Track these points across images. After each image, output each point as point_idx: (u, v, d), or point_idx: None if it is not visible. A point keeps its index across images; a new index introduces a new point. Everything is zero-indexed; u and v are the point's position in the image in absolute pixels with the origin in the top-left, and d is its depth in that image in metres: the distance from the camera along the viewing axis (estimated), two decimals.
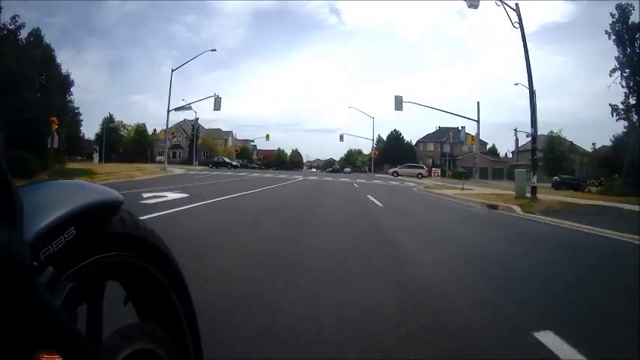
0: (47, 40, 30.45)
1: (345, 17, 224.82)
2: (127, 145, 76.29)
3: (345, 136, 61.35)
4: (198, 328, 1.06)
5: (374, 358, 2.31)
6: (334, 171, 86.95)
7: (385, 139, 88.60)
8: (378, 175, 57.54)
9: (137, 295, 0.93)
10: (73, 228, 0.68)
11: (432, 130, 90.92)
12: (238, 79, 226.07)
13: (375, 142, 64.39)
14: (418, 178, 44.88)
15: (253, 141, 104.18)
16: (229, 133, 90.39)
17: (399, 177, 45.93)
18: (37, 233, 0.60)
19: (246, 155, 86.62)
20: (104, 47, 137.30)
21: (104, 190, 0.82)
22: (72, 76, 33.06)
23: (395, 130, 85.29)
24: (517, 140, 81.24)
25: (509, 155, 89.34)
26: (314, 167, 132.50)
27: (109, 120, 78.57)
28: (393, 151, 79.84)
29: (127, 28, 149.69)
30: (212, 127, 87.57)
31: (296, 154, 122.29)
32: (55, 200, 0.69)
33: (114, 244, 0.80)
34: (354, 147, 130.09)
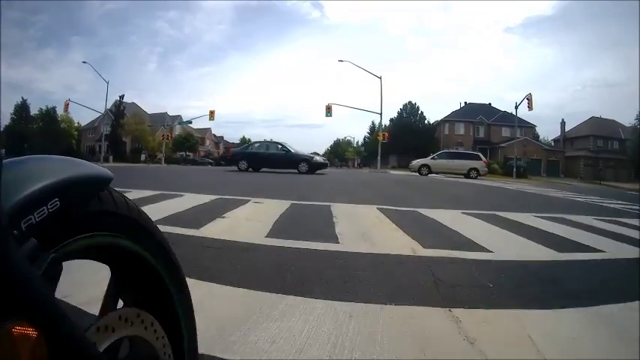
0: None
1: (328, 11, 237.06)
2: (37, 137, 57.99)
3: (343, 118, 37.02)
4: (193, 316, 1.04)
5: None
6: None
7: (394, 118, 60.34)
8: (372, 170, 44.05)
9: (127, 280, 0.91)
10: (57, 199, 0.67)
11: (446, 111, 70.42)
12: (222, 75, 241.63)
13: (380, 123, 45.79)
14: (470, 177, 27.52)
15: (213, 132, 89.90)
16: (176, 118, 66.68)
17: (429, 173, 28.23)
18: (18, 201, 0.60)
19: (189, 146, 58.68)
20: (89, 45, 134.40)
21: (92, 165, 0.82)
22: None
23: (410, 102, 57.58)
24: (563, 125, 69.54)
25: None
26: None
27: (20, 107, 61.77)
28: (405, 134, 60.32)
29: (110, 26, 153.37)
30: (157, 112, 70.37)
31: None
32: (40, 172, 0.69)
33: (102, 223, 0.79)
34: (344, 137, 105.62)
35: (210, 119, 48.42)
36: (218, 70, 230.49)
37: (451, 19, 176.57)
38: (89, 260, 0.82)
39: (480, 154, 30.17)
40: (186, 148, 65.95)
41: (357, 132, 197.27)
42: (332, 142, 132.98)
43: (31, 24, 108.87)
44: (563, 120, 70.89)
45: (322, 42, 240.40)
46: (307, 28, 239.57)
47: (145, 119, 61.94)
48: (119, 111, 63.69)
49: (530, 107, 35.67)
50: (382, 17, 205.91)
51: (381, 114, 41.52)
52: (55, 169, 0.72)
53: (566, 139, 68.60)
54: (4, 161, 0.59)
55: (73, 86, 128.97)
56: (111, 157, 51.64)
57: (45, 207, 0.64)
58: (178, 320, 0.98)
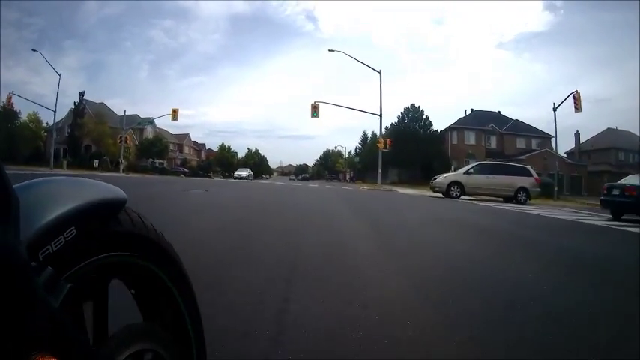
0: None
1: (321, 25, 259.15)
2: None
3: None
4: (202, 329, 1.05)
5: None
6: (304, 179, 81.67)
7: (395, 124, 51.25)
8: (370, 187, 36.69)
9: (141, 295, 0.95)
10: (73, 227, 0.68)
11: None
12: (214, 85, 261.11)
13: (381, 127, 35.99)
14: (518, 201, 19.60)
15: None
16: (147, 120, 53.68)
17: (461, 196, 19.99)
18: (36, 232, 0.61)
19: (156, 152, 49.81)
20: (83, 50, 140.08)
21: (106, 187, 0.83)
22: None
23: (412, 105, 48.49)
24: (578, 136, 62.62)
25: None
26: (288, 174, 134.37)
27: None
28: (408, 143, 49.61)
29: (105, 32, 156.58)
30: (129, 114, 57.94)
31: (253, 155, 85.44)
32: (55, 198, 0.70)
33: (116, 244, 0.81)
34: (335, 147, 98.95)
35: (172, 119, 39.91)
36: (210, 79, 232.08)
37: (443, 33, 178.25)
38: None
39: (529, 167, 21.29)
40: (153, 154, 56.76)
41: (349, 144, 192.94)
42: (321, 154, 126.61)
43: (26, 25, 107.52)
44: (577, 131, 63.06)
45: (315, 55, 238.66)
46: (301, 41, 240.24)
47: (105, 119, 52.49)
48: (78, 110, 54.86)
49: (577, 108, 27.28)
50: (375, 31, 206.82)
51: (380, 115, 32.86)
52: (70, 194, 0.72)
53: (582, 152, 60.80)
54: (17, 185, 0.61)
55: (64, 90, 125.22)
56: (65, 163, 42.84)
57: (62, 236, 0.65)
58: (188, 332, 1.00)
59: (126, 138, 43.89)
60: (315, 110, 31.24)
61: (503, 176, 19.77)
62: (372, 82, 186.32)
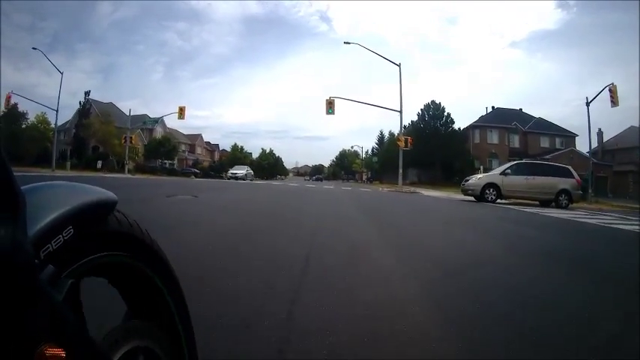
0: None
1: (335, 25, 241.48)
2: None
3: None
4: (191, 327, 1.09)
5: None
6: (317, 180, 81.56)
7: (415, 122, 48.59)
8: (390, 188, 32.01)
9: (130, 294, 0.98)
10: (71, 227, 0.72)
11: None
12: (229, 86, 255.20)
13: (401, 123, 32.89)
14: (561, 205, 17.18)
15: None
16: (154, 119, 51.81)
17: (497, 199, 17.48)
18: (38, 232, 0.65)
19: (164, 153, 47.98)
20: (96, 53, 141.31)
21: (99, 190, 0.87)
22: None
23: (433, 102, 46.15)
24: (601, 135, 57.43)
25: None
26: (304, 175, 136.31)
27: None
28: (428, 142, 46.81)
29: (118, 35, 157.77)
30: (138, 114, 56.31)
31: (267, 155, 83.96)
32: (54, 200, 0.74)
33: (109, 244, 0.85)
34: (351, 146, 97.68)
35: (179, 117, 38.08)
36: (224, 81, 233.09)
37: (456, 33, 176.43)
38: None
39: (570, 167, 18.68)
40: (161, 154, 54.82)
41: (365, 144, 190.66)
42: (337, 154, 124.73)
43: (39, 29, 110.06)
44: (600, 130, 59.21)
45: (329, 55, 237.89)
46: (315, 42, 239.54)
47: (111, 119, 50.19)
48: (84, 110, 53.33)
49: (614, 102, 24.56)
50: (388, 31, 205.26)
51: (400, 111, 30.48)
52: (66, 197, 0.76)
53: (606, 151, 57.27)
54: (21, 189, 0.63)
55: (77, 92, 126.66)
56: (69, 164, 41.23)
57: (61, 235, 0.69)
58: (178, 330, 1.03)
59: (131, 138, 41.97)
60: (330, 106, 28.99)
61: (543, 177, 17.11)
62: (388, 82, 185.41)
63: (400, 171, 29.49)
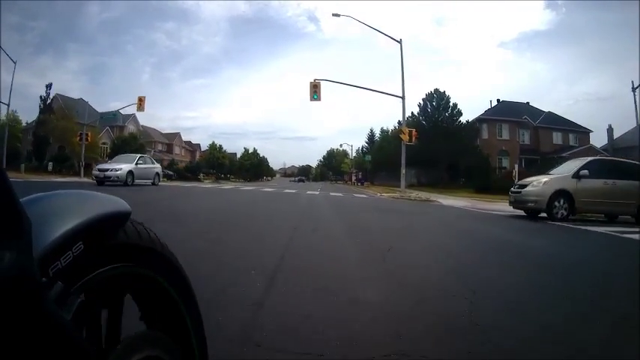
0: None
1: (323, 25, 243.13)
2: None
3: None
4: (204, 337, 1.08)
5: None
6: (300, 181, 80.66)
7: (416, 114, 41.88)
8: (394, 195, 26.23)
9: (145, 304, 0.96)
10: (81, 242, 0.70)
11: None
12: (217, 87, 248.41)
13: (404, 111, 26.52)
14: None
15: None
16: (111, 113, 44.26)
17: (568, 215, 11.11)
18: (45, 249, 0.63)
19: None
20: (85, 53, 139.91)
21: (112, 200, 0.85)
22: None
23: (437, 90, 39.41)
24: (611, 132, 50.26)
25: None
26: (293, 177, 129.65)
27: None
28: (432, 136, 39.05)
29: (107, 35, 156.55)
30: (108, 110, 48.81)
31: (250, 155, 77.97)
32: (63, 213, 0.72)
33: (121, 256, 0.82)
34: (340, 144, 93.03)
35: (138, 109, 31.92)
36: (213, 82, 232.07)
37: (446, 33, 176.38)
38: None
39: None
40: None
41: (354, 143, 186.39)
42: (325, 154, 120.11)
43: (29, 29, 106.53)
44: (610, 126, 53.48)
45: (317, 55, 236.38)
46: (302, 42, 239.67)
47: (72, 114, 43.30)
48: (45, 104, 46.84)
49: None
50: (376, 33, 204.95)
51: (403, 97, 24.73)
52: (76, 208, 0.73)
53: (616, 149, 51.80)
54: (23, 200, 0.61)
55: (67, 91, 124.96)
56: (23, 166, 34.75)
57: (70, 251, 0.66)
58: (190, 339, 1.01)
59: (87, 135, 35.73)
60: (315, 91, 23.16)
61: (625, 182, 11.32)
62: (382, 80, 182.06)
63: (403, 171, 23.74)
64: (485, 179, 28.68)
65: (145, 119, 62.65)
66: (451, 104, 42.96)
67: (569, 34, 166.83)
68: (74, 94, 56.59)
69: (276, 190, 24.56)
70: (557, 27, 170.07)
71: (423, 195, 22.48)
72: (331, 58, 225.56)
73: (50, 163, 37.49)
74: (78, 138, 36.41)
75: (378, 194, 24.83)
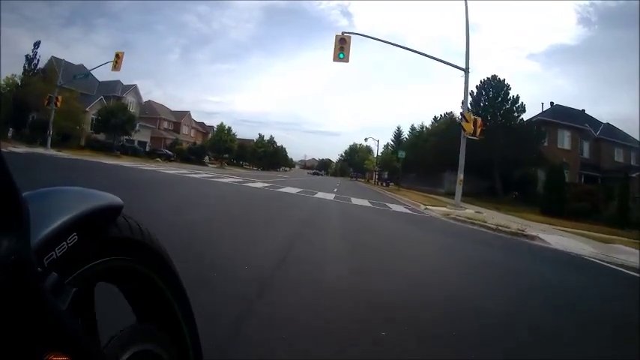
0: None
1: (356, 21, 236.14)
2: None
3: None
4: (196, 329, 1.10)
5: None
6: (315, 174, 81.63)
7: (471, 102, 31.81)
8: (443, 213, 17.69)
9: (136, 298, 0.98)
10: (75, 234, 0.72)
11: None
12: (243, 73, 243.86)
13: (466, 90, 16.98)
14: None
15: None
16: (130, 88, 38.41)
17: None
18: (41, 240, 0.64)
19: (116, 125, 33.49)
20: (113, 29, 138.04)
21: (104, 195, 0.87)
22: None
23: (495, 77, 30.03)
24: None
25: None
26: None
27: None
28: (488, 132, 20.13)
29: (137, 13, 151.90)
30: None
31: (265, 144, 71.11)
32: (58, 207, 0.74)
33: (113, 249, 0.84)
34: (365, 139, 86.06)
35: (113, 68, 24.81)
36: (239, 68, 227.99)
37: (476, 38, 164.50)
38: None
39: None
40: (111, 126, 39.32)
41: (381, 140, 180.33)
42: (347, 148, 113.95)
43: (58, 2, 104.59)
44: None
45: (350, 51, 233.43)
46: (334, 36, 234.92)
47: (53, 77, 35.16)
48: (30, 65, 40.44)
49: None
50: (408, 33, 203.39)
51: (466, 69, 17.11)
52: (71, 202, 0.75)
53: None
54: (23, 195, 0.61)
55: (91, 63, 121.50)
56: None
57: (65, 242, 0.68)
58: (183, 332, 1.03)
59: (56, 99, 29.14)
60: (342, 49, 15.85)
61: None
62: (420, 82, 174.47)
63: (460, 177, 16.19)
64: (560, 198, 21.05)
65: (165, 99, 57.21)
66: (511, 97, 32.51)
67: (598, 52, 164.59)
68: (99, 70, 47.97)
69: (270, 187, 17.60)
70: (586, 44, 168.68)
71: (500, 219, 13.66)
72: (363, 53, 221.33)
73: (11, 130, 30.80)
74: (46, 102, 29.96)
75: (422, 206, 17.19)
